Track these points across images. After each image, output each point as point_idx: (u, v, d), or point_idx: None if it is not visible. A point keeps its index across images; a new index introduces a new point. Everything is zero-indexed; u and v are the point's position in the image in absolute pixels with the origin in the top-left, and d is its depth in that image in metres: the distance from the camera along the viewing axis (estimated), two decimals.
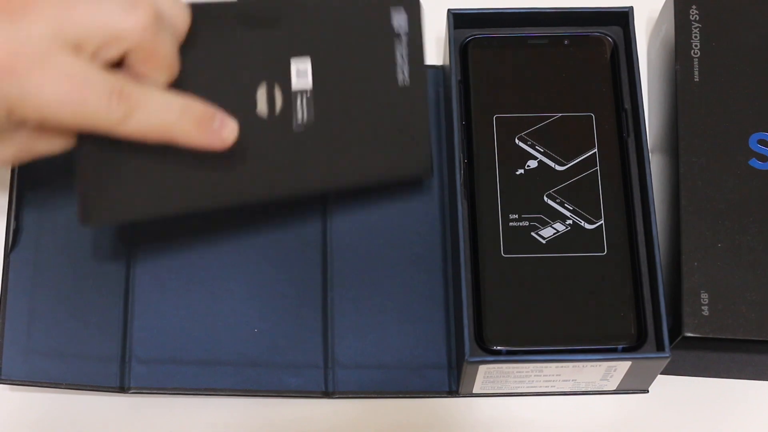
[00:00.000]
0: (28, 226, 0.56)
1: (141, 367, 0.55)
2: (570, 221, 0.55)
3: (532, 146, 0.56)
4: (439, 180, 0.59)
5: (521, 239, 0.54)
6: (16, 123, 0.45)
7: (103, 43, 0.44)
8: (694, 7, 0.58)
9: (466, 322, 0.52)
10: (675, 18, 0.58)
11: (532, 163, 0.56)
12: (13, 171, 0.57)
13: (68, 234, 0.56)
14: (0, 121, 0.44)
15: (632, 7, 0.58)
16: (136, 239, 0.57)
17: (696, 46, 0.57)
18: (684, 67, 0.57)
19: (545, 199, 0.55)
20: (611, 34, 0.58)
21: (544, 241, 0.54)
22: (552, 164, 0.56)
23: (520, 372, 0.53)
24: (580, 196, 0.55)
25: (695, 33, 0.58)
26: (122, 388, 0.55)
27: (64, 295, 0.56)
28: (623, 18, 0.58)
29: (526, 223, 0.55)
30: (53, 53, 0.43)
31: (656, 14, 0.63)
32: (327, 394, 0.55)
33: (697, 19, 0.58)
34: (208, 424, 0.56)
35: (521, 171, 0.56)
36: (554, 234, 0.55)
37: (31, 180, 0.57)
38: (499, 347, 0.52)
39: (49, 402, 0.56)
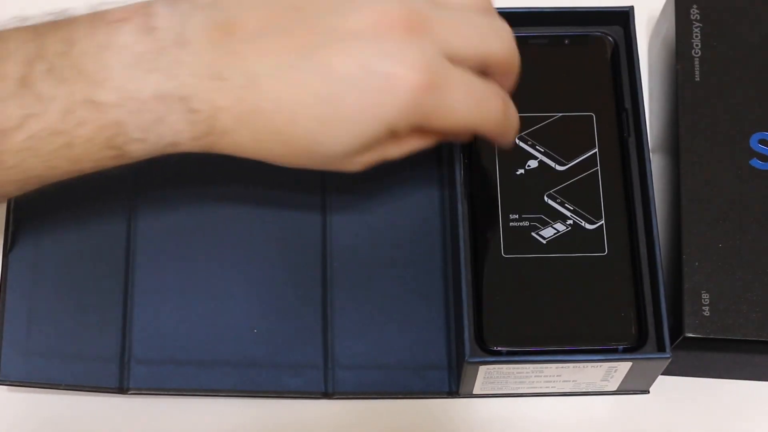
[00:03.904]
0: (27, 227, 0.56)
1: (140, 367, 0.55)
2: (570, 221, 0.55)
3: (533, 146, 0.56)
4: (439, 180, 0.58)
5: (522, 239, 0.54)
6: (403, 132, 0.47)
7: (476, 63, 0.47)
8: (695, 6, 0.58)
9: (466, 322, 0.52)
10: (676, 17, 0.58)
11: (533, 163, 0.56)
12: None
13: (67, 234, 0.56)
14: (402, 129, 0.46)
15: (633, 6, 0.58)
16: (135, 239, 0.57)
17: (697, 45, 0.57)
18: (685, 67, 0.57)
19: (546, 199, 0.55)
20: (612, 33, 0.58)
21: (544, 242, 0.54)
22: (552, 164, 0.56)
23: (520, 372, 0.53)
24: (581, 196, 0.55)
25: (696, 32, 0.57)
26: (121, 389, 0.55)
27: (63, 295, 0.55)
28: (624, 17, 0.58)
29: (527, 224, 0.55)
30: (451, 68, 0.46)
31: (657, 14, 0.63)
32: (327, 394, 0.55)
33: (698, 18, 0.58)
34: (208, 424, 0.56)
35: (521, 171, 0.56)
36: (555, 234, 0.54)
37: None
38: (499, 348, 0.52)
39: (48, 403, 0.56)
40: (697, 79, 0.57)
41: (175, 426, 0.56)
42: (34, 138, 0.43)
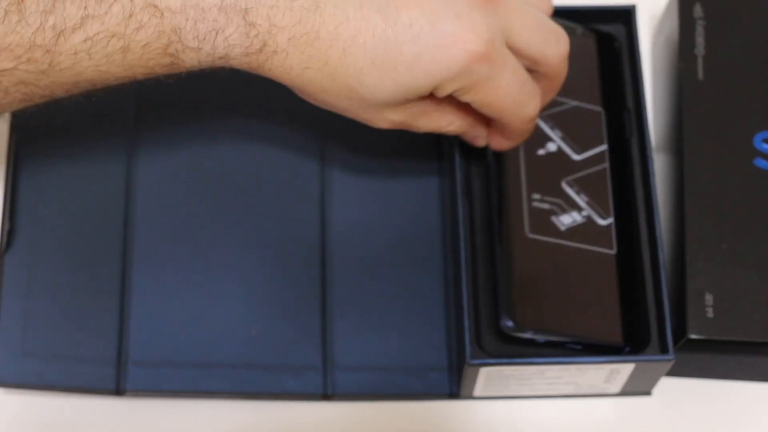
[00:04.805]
0: (23, 228, 0.56)
1: (137, 369, 0.55)
2: (585, 213, 0.54)
3: (552, 128, 0.56)
4: (439, 180, 0.58)
5: (543, 221, 0.54)
6: (441, 97, 0.48)
7: (529, 59, 0.49)
8: (698, 4, 0.58)
9: (466, 323, 0.52)
10: (679, 16, 0.58)
11: (552, 146, 0.56)
12: (7, 171, 0.56)
13: (63, 235, 0.56)
14: (444, 92, 0.47)
15: (635, 5, 0.57)
16: (132, 240, 0.57)
17: (700, 44, 0.57)
18: (688, 66, 0.57)
19: (563, 185, 0.55)
20: (615, 32, 0.58)
21: (563, 228, 0.54)
22: (569, 151, 0.55)
23: (521, 374, 0.53)
24: (593, 190, 0.55)
25: (699, 31, 0.57)
26: (118, 391, 0.54)
27: (59, 297, 0.55)
28: (626, 16, 0.58)
29: (548, 206, 0.54)
30: (508, 51, 0.47)
31: (660, 12, 0.62)
32: (326, 396, 0.55)
33: (702, 16, 0.57)
34: (205, 427, 0.55)
35: (542, 152, 0.55)
36: (572, 223, 0.54)
37: (26, 181, 0.56)
38: (524, 330, 0.52)
39: (44, 405, 0.56)
40: (701, 78, 0.56)
41: (172, 428, 0.55)
42: (92, 40, 0.43)
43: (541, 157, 0.55)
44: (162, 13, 0.44)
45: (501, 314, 0.52)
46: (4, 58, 0.43)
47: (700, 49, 0.57)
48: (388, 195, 0.58)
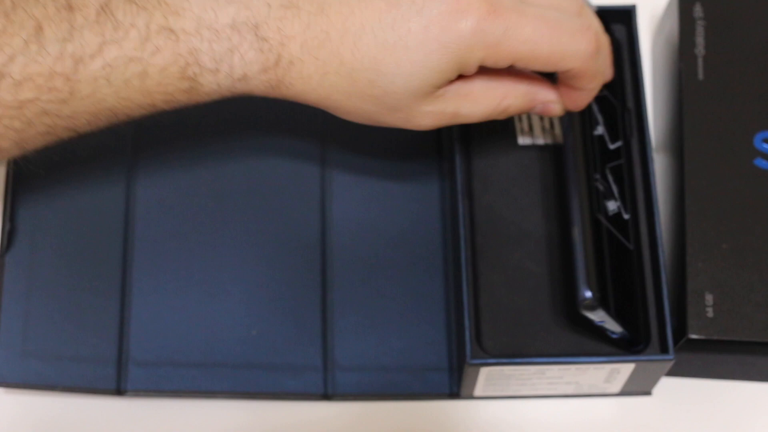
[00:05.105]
0: (23, 227, 0.56)
1: (138, 369, 0.55)
2: (619, 204, 0.54)
3: (597, 112, 0.56)
4: (440, 180, 0.58)
5: (598, 202, 0.54)
6: (474, 65, 0.47)
7: (541, 66, 0.47)
8: (698, 4, 0.58)
9: (467, 323, 0.52)
10: (679, 16, 0.58)
11: (600, 129, 0.56)
12: (8, 172, 0.56)
13: (64, 235, 0.56)
14: (470, 64, 0.46)
15: (635, 5, 0.57)
16: (133, 240, 0.57)
17: (700, 44, 0.57)
18: (688, 66, 0.57)
19: (607, 170, 0.55)
20: (615, 32, 0.58)
21: (610, 214, 0.54)
22: (607, 138, 0.55)
23: (522, 374, 0.53)
24: (620, 182, 0.55)
25: (699, 31, 0.57)
26: (119, 391, 0.54)
27: (59, 296, 0.55)
28: (626, 16, 0.58)
29: (602, 188, 0.54)
30: (524, 4, 0.46)
31: (660, 12, 0.62)
32: (326, 396, 0.55)
33: (702, 16, 0.57)
34: (206, 426, 0.55)
35: (595, 132, 0.55)
36: (613, 211, 0.54)
37: (27, 181, 0.57)
38: (597, 307, 0.52)
39: (45, 405, 0.56)
40: (701, 78, 0.56)
41: (172, 428, 0.55)
42: (110, 66, 0.44)
43: (593, 137, 0.55)
44: (177, 36, 0.44)
45: (581, 287, 0.51)
46: (27, 89, 0.43)
47: (700, 49, 0.57)
48: (388, 195, 0.58)
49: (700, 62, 0.57)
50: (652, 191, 0.54)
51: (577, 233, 0.53)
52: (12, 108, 0.43)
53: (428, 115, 0.48)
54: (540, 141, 0.57)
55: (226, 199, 0.57)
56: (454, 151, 0.55)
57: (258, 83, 0.46)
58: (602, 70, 0.49)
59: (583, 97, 0.50)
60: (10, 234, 0.56)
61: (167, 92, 0.45)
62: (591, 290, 0.52)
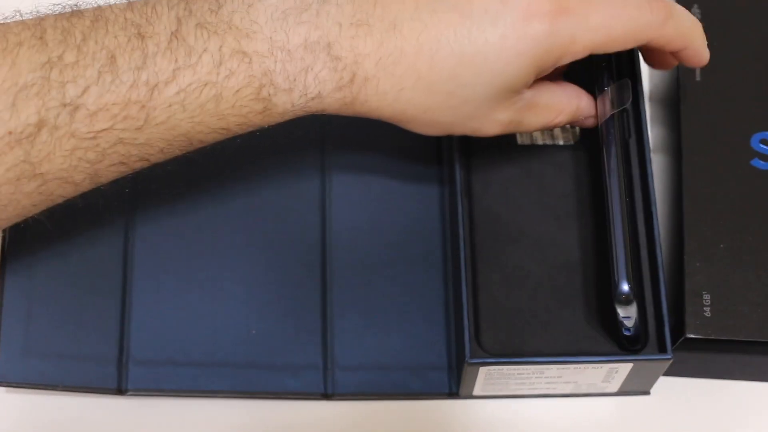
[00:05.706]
0: (24, 227, 0.56)
1: (138, 368, 0.55)
2: (627, 199, 0.54)
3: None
4: (439, 180, 0.58)
5: (632, 200, 0.55)
6: (551, 64, 0.47)
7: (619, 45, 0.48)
8: (695, 6, 0.58)
9: (466, 323, 0.52)
10: None
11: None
12: None
13: (65, 236, 0.56)
14: (547, 66, 0.47)
15: None
16: (134, 239, 0.57)
17: None
18: (686, 67, 0.56)
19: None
20: None
21: None
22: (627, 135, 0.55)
23: (521, 374, 0.53)
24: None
25: None
26: (120, 390, 0.54)
27: (61, 296, 0.55)
28: None
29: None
30: None
31: None
32: (326, 395, 0.55)
33: (699, 18, 0.58)
34: (206, 426, 0.55)
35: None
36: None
37: None
38: (632, 301, 0.51)
39: (46, 404, 0.56)
40: (698, 79, 0.56)
41: (173, 427, 0.55)
42: (185, 91, 0.44)
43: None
44: (251, 59, 0.44)
45: (619, 281, 0.50)
46: (101, 118, 0.43)
47: None
48: (388, 195, 0.58)
49: None
50: (650, 191, 0.54)
51: (617, 227, 0.52)
52: (87, 139, 0.43)
53: (498, 124, 0.49)
54: (540, 141, 0.57)
55: (227, 199, 0.57)
56: (453, 151, 0.55)
57: (332, 101, 0.46)
58: (685, 28, 0.49)
59: (698, 54, 0.50)
60: (11, 234, 0.56)
61: (242, 114, 0.45)
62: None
